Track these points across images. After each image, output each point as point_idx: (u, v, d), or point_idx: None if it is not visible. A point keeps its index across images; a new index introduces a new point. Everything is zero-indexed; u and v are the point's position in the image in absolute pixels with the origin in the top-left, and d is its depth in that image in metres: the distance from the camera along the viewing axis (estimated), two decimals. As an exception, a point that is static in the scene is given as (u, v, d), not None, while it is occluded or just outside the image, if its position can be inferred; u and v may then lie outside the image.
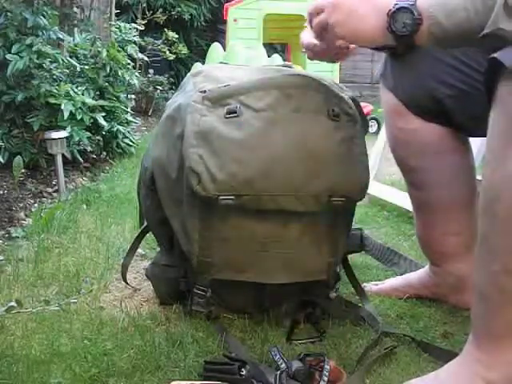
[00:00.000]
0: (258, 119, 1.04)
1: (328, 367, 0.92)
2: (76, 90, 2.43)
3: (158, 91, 4.60)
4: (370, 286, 1.34)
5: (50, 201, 2.15)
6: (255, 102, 1.05)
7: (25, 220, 1.88)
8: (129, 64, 3.03)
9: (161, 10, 4.99)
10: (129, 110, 3.03)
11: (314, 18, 0.99)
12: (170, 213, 1.13)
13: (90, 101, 2.51)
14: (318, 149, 1.05)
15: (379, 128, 3.94)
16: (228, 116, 1.04)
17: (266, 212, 1.04)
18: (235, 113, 1.04)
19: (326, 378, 0.90)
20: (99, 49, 2.77)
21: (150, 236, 1.38)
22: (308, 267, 1.11)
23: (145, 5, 4.95)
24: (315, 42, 1.04)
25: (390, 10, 0.89)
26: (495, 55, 0.77)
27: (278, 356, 0.96)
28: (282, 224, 1.07)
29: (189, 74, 1.19)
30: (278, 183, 1.02)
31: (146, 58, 3.77)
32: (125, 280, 1.32)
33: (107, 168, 2.75)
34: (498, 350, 0.86)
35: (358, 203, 1.15)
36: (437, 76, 1.11)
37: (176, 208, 1.11)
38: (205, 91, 1.06)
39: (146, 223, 1.29)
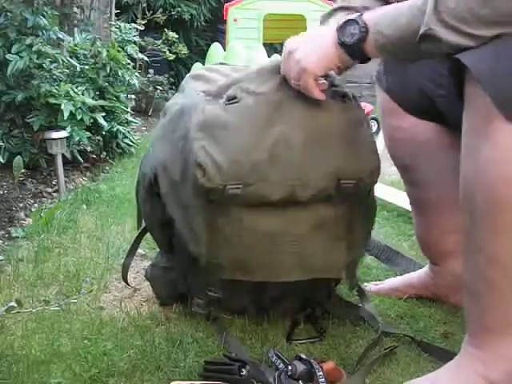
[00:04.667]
0: (261, 103, 1.01)
1: (321, 373, 0.91)
2: (76, 89, 2.43)
3: (158, 91, 4.60)
4: (370, 286, 1.34)
5: (50, 201, 2.15)
6: (257, 87, 1.02)
7: (25, 220, 1.88)
8: (129, 64, 3.03)
9: (161, 9, 4.98)
10: (129, 109, 3.03)
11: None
12: (176, 216, 1.10)
13: (90, 101, 2.50)
14: (325, 130, 1.01)
15: (379, 128, 3.92)
16: (228, 102, 1.01)
17: (273, 205, 1.00)
18: (235, 98, 1.02)
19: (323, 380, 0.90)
20: (99, 49, 2.76)
21: (150, 236, 1.38)
22: (322, 265, 1.06)
23: (145, 5, 4.94)
24: None
25: (338, 25, 0.94)
26: (458, 56, 0.80)
27: (275, 357, 0.96)
28: (291, 219, 1.02)
29: (188, 76, 1.18)
30: (284, 168, 0.99)
31: (146, 58, 3.77)
32: (125, 281, 1.32)
33: (107, 168, 2.75)
34: (494, 345, 0.86)
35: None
36: (427, 75, 1.12)
37: (182, 211, 1.07)
38: (204, 91, 1.06)
39: (144, 224, 1.29)
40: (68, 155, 2.45)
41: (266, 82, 1.03)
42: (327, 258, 1.06)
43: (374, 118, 4.15)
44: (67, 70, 2.51)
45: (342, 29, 0.93)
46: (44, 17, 2.31)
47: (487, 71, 0.78)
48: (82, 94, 2.48)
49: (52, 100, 2.30)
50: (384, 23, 0.89)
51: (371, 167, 1.03)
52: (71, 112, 2.33)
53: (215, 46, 4.24)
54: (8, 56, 2.20)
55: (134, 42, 3.41)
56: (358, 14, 0.93)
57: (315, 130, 1.01)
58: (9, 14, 2.26)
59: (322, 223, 1.04)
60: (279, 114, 1.00)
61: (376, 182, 1.05)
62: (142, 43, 4.08)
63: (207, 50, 4.37)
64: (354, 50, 0.92)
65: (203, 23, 5.95)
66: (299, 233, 1.03)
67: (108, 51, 2.78)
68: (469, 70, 0.79)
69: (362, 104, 1.31)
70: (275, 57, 3.82)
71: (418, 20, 0.82)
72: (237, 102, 1.01)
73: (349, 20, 0.92)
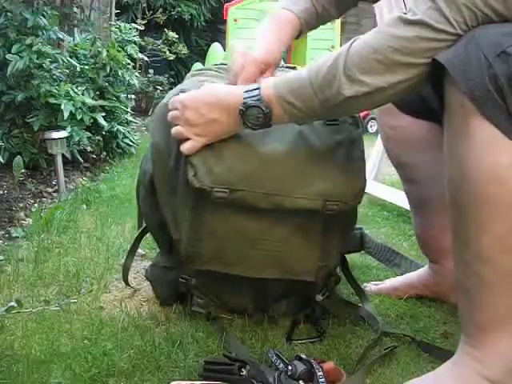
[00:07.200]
0: None
1: (321, 373, 0.91)
2: (76, 90, 2.43)
3: (158, 91, 4.60)
4: (370, 286, 1.34)
5: (50, 201, 2.15)
6: None
7: (25, 220, 1.88)
8: (129, 64, 3.03)
9: (161, 10, 4.99)
10: (129, 110, 3.03)
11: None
12: (163, 200, 1.12)
13: (90, 101, 2.51)
14: (314, 151, 1.03)
15: (379, 128, 3.94)
16: None
17: (258, 210, 1.03)
18: None
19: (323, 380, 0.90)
20: (99, 49, 2.77)
21: (150, 236, 1.38)
22: (296, 267, 1.09)
23: (145, 5, 4.95)
24: None
25: (240, 110, 0.94)
26: (435, 57, 0.81)
27: (275, 357, 0.96)
28: (273, 223, 1.05)
29: (189, 74, 1.19)
30: (274, 182, 1.01)
31: (145, 58, 3.77)
32: (126, 282, 1.32)
33: (107, 168, 2.75)
34: (488, 343, 0.86)
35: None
36: None
37: (169, 196, 1.10)
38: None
39: (144, 224, 1.29)
40: (68, 155, 2.45)
41: None
42: (300, 262, 1.09)
43: (373, 118, 4.16)
44: (67, 70, 2.51)
45: (245, 116, 0.94)
46: (44, 17, 2.31)
47: (460, 66, 0.78)
48: (82, 94, 2.48)
49: (52, 100, 2.30)
50: (289, 94, 0.91)
51: (355, 191, 1.04)
52: (71, 112, 2.33)
53: (215, 46, 4.24)
54: (8, 56, 2.21)
55: (134, 42, 3.41)
56: (257, 89, 0.93)
57: (305, 149, 1.03)
58: (9, 13, 2.26)
59: (300, 230, 1.06)
60: (274, 131, 1.01)
61: (360, 202, 1.07)
62: (142, 43, 4.08)
63: (207, 50, 4.38)
64: (260, 127, 0.96)
65: (203, 23, 5.95)
66: (278, 236, 1.06)
67: (108, 51, 2.78)
68: (446, 70, 0.80)
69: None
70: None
71: (324, 89, 0.87)
72: None
73: (250, 107, 0.93)
